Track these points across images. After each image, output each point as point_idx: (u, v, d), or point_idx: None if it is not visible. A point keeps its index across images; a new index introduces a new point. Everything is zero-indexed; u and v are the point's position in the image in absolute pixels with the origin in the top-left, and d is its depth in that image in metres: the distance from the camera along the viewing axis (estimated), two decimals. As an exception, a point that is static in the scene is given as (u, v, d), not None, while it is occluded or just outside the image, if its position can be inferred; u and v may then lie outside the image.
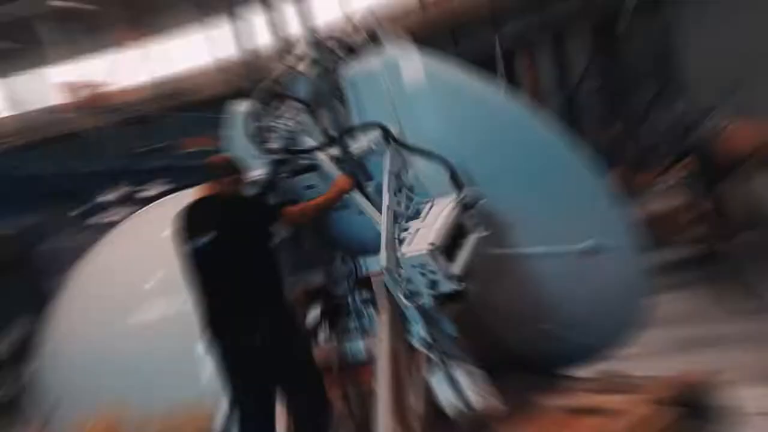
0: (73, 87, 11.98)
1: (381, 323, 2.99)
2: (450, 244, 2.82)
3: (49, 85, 12.51)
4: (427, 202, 3.07)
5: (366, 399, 3.24)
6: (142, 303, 5.23)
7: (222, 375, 2.99)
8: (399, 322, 2.96)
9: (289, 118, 3.30)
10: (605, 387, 3.14)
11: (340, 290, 3.39)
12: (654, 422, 2.66)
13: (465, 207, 2.95)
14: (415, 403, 2.95)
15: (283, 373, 2.96)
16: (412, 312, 2.81)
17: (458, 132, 3.23)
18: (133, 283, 5.48)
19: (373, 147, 3.15)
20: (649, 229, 3.80)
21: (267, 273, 3.00)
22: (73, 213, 9.14)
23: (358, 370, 3.18)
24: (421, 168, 3.17)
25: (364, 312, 3.31)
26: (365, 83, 3.34)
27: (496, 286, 3.21)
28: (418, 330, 2.81)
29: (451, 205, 2.93)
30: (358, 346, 3.23)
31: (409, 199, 3.11)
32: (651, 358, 3.86)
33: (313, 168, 3.29)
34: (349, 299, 3.36)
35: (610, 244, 3.15)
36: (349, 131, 3.22)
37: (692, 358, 3.65)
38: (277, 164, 3.29)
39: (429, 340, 2.78)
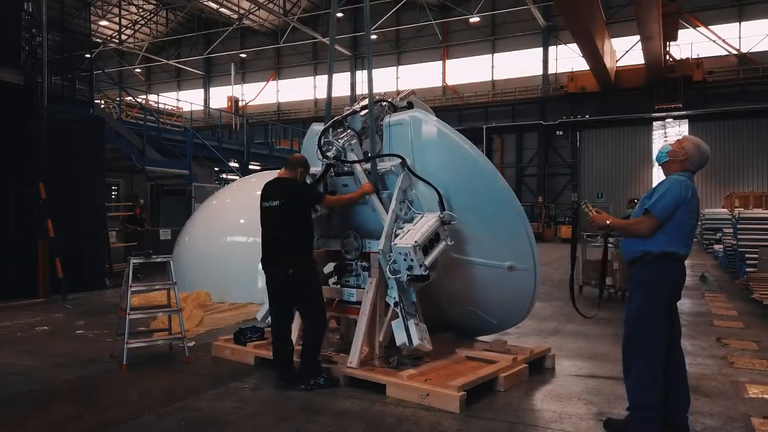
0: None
1: (369, 283, 4.78)
2: (427, 245, 4.38)
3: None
4: (419, 214, 4.63)
5: (351, 326, 5.06)
6: (232, 231, 8.35)
7: (267, 290, 4.69)
8: (382, 286, 4.76)
9: (344, 140, 4.91)
10: (491, 348, 5.12)
11: (349, 256, 4.95)
12: (512, 369, 4.62)
13: (443, 222, 4.50)
14: (379, 335, 4.78)
15: (300, 298, 4.57)
16: (391, 282, 4.51)
17: (448, 173, 4.69)
18: (231, 218, 8.95)
19: (393, 169, 4.74)
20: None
21: (304, 232, 4.61)
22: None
23: (349, 307, 4.93)
24: (420, 191, 4.70)
25: (361, 273, 4.89)
26: (397, 128, 4.88)
27: (448, 276, 4.85)
28: (393, 293, 4.51)
29: (434, 219, 4.48)
30: (352, 293, 4.98)
31: (408, 209, 4.70)
32: (522, 337, 5.90)
33: (350, 173, 4.91)
34: (354, 263, 4.94)
35: (521, 267, 4.73)
36: (379, 155, 4.85)
37: (545, 340, 5.67)
38: (328, 167, 4.95)
39: (398, 300, 4.45)
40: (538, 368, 4.94)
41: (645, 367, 3.42)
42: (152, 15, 43.38)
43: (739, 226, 10.42)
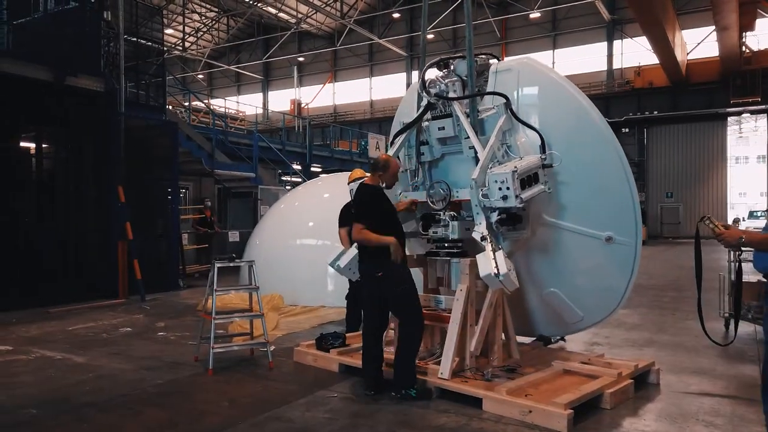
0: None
1: (459, 290, 4.53)
2: (525, 180, 4.07)
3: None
4: (516, 157, 4.40)
5: (435, 334, 4.86)
6: (302, 234, 8.38)
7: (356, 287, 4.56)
8: (472, 293, 4.52)
9: (448, 81, 4.71)
10: (590, 361, 4.80)
11: (437, 206, 4.65)
12: (617, 384, 4.29)
13: (543, 165, 4.26)
14: (470, 345, 4.54)
15: (392, 301, 4.34)
16: (480, 216, 4.20)
17: (558, 129, 4.43)
18: (300, 221, 8.95)
19: (496, 109, 4.54)
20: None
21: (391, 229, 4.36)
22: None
23: (441, 315, 4.71)
24: (521, 140, 4.50)
25: (449, 223, 4.53)
26: (504, 76, 4.72)
27: (536, 248, 4.60)
28: (480, 228, 4.17)
29: (536, 158, 4.23)
30: (440, 299, 4.77)
31: (506, 153, 4.45)
32: (614, 348, 5.53)
33: (448, 116, 4.62)
34: (442, 213, 4.61)
35: (620, 239, 4.34)
36: (483, 93, 4.63)
37: (641, 352, 5.29)
38: (427, 107, 4.71)
39: (485, 234, 4.13)
40: (642, 383, 4.57)
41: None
42: (214, 22, 44.58)
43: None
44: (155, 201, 10.30)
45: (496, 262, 3.98)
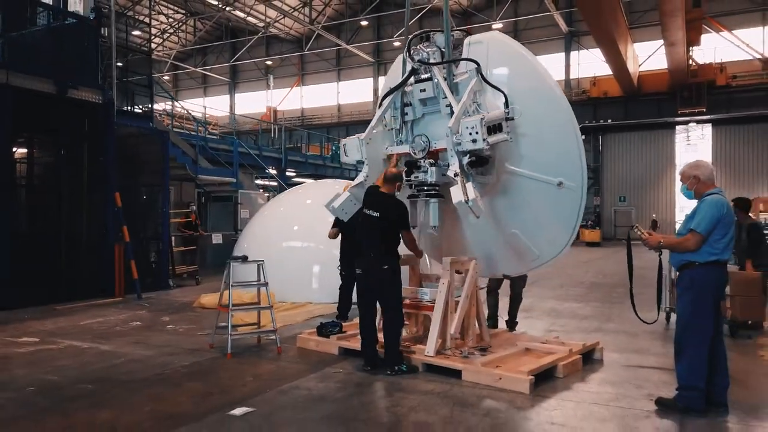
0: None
1: (441, 284, 5.46)
2: (491, 128, 4.86)
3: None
4: (485, 112, 5.11)
5: (420, 321, 5.78)
6: (288, 237, 9.16)
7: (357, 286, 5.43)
8: (452, 287, 5.45)
9: (429, 51, 5.47)
10: (546, 341, 5.80)
11: (418, 155, 5.44)
12: (568, 358, 5.27)
13: (507, 118, 5.02)
14: (450, 328, 5.46)
15: (385, 294, 5.23)
16: (454, 158, 4.99)
17: (519, 91, 5.18)
18: (285, 225, 9.81)
19: (469, 73, 5.32)
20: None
21: (394, 240, 5.27)
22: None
23: (425, 305, 5.63)
24: (489, 100, 5.24)
25: (429, 169, 5.37)
26: (476, 47, 5.48)
27: (498, 192, 5.39)
28: (455, 164, 4.97)
29: (500, 111, 5.01)
30: (425, 292, 5.69)
31: (476, 111, 5.20)
32: (569, 333, 6.53)
33: (428, 80, 5.41)
34: (422, 161, 5.43)
35: (569, 184, 5.08)
36: (458, 60, 5.41)
37: (589, 336, 6.30)
38: (411, 72, 5.49)
39: (458, 171, 4.93)
40: (589, 360, 5.59)
41: (694, 355, 4.07)
42: (181, 24, 44.62)
43: (766, 231, 10.90)
44: (147, 205, 10.92)
45: (466, 191, 4.79)
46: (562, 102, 5.28)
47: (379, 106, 5.84)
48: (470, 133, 4.84)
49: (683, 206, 35.36)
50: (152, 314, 8.31)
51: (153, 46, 43.68)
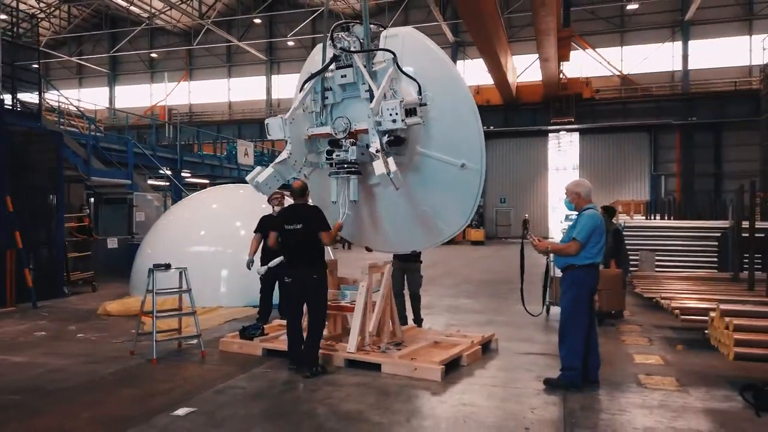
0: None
1: (361, 286, 6.01)
2: (407, 111, 5.29)
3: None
4: (401, 98, 5.54)
5: (338, 321, 6.30)
6: (195, 242, 9.26)
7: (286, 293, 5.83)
8: (371, 290, 6.02)
9: (349, 40, 5.78)
10: (450, 335, 6.55)
11: (339, 135, 5.81)
12: (471, 349, 6.05)
13: (420, 104, 5.45)
14: (368, 326, 6.03)
15: (313, 300, 5.63)
16: (375, 137, 5.45)
17: (428, 79, 5.63)
18: (192, 230, 9.79)
19: (386, 62, 5.72)
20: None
21: (319, 247, 5.64)
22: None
23: (345, 306, 6.14)
24: (403, 88, 5.69)
25: (349, 147, 5.77)
26: (391, 40, 5.91)
27: (412, 172, 5.89)
28: (376, 142, 5.43)
29: (414, 98, 5.47)
30: (345, 294, 6.20)
31: (393, 96, 5.63)
32: (466, 326, 7.36)
33: (349, 66, 5.77)
34: (343, 140, 5.80)
35: (471, 166, 5.64)
36: (375, 50, 5.79)
37: (484, 329, 7.16)
38: (333, 59, 5.82)
39: (379, 148, 5.40)
40: (487, 349, 6.42)
41: (573, 341, 4.96)
42: (53, 9, 41.35)
43: (624, 233, 12.61)
44: (39, 209, 10.41)
45: (387, 165, 5.28)
46: (466, 93, 5.88)
47: (300, 90, 6.14)
48: (390, 114, 5.32)
49: (554, 206, 38.78)
50: (55, 324, 8.08)
51: (21, 31, 40.16)
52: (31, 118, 11.05)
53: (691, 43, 34.16)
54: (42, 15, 40.01)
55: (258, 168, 6.06)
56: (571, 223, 5.22)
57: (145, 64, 45.81)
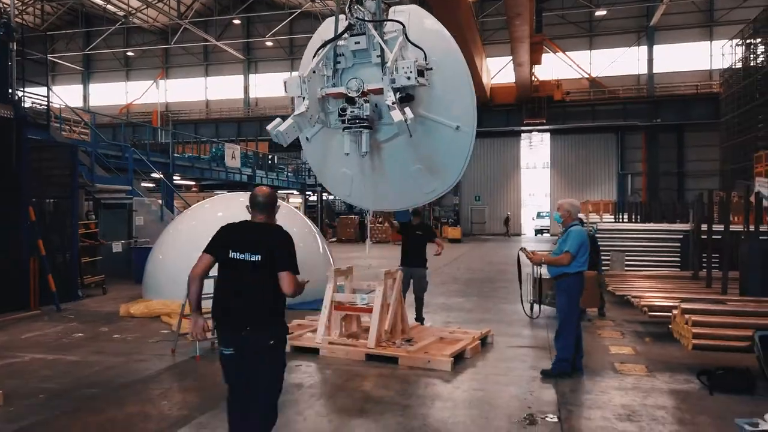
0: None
1: (378, 290, 6.91)
2: (418, 71, 5.90)
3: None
4: (414, 59, 6.10)
5: (353, 321, 7.20)
6: (201, 248, 10.00)
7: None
8: (386, 293, 6.93)
9: (364, 11, 6.37)
10: (453, 332, 7.52)
11: (353, 94, 6.33)
12: (472, 344, 7.01)
13: (426, 68, 6.05)
14: (384, 325, 6.93)
15: (266, 379, 3.61)
16: (390, 89, 5.98)
17: (432, 51, 6.26)
18: (201, 236, 10.42)
19: (396, 32, 6.32)
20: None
21: (282, 294, 3.58)
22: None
23: (361, 308, 7.04)
24: (409, 54, 6.22)
25: (363, 104, 6.29)
26: (400, 14, 6.50)
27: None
28: (391, 96, 5.94)
29: (423, 62, 6.07)
30: (364, 297, 7.09)
31: (401, 60, 6.18)
32: (463, 324, 8.33)
33: (362, 34, 6.35)
34: (357, 98, 6.32)
35: (464, 129, 6.28)
36: (386, 20, 6.41)
37: (479, 326, 8.14)
38: (348, 27, 6.39)
39: (395, 100, 5.91)
40: (485, 344, 7.40)
41: (568, 336, 5.94)
42: (25, 6, 40.95)
43: (596, 234, 13.77)
44: (55, 217, 11.01)
45: (404, 113, 5.87)
46: (463, 64, 6.55)
47: (315, 56, 6.64)
48: (405, 72, 5.91)
49: (526, 203, 40.21)
50: (86, 326, 8.75)
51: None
52: (40, 128, 11.60)
53: (656, 47, 35.89)
54: (15, 12, 39.62)
55: (278, 119, 6.40)
56: (559, 237, 6.21)
57: (121, 62, 45.68)
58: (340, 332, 7.17)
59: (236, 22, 40.46)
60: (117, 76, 46.11)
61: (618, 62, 36.28)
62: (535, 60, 32.15)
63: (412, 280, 8.39)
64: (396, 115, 5.88)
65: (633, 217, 19.70)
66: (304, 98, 6.28)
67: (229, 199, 12.90)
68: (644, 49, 36.17)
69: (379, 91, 6.15)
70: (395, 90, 6.08)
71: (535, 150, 41.13)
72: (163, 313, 9.20)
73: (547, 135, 38.19)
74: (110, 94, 45.49)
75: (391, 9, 6.71)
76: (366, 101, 6.43)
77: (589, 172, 36.96)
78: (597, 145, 36.77)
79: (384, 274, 6.89)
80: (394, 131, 6.19)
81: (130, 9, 39.13)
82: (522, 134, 38.51)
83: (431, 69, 6.20)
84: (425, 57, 6.24)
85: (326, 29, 6.99)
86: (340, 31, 6.50)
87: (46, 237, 10.36)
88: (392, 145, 6.54)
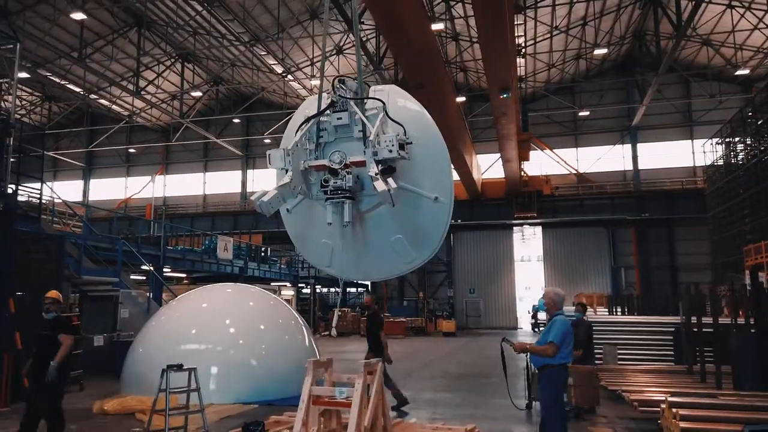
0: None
1: (357, 383, 6.71)
2: (399, 146, 5.94)
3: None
4: (396, 133, 6.16)
5: (338, 416, 6.93)
6: (186, 340, 9.66)
7: None
8: (366, 387, 6.72)
9: (346, 90, 6.41)
10: (437, 428, 7.20)
11: (335, 166, 6.15)
12: None
13: (406, 142, 6.05)
14: (364, 420, 6.66)
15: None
16: (372, 162, 5.98)
17: (409, 126, 6.28)
18: (183, 328, 10.19)
19: (376, 109, 6.36)
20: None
21: None
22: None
23: (341, 402, 6.79)
24: (389, 130, 6.24)
25: (346, 176, 6.15)
26: (380, 94, 6.56)
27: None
28: (373, 167, 5.95)
29: (402, 138, 6.11)
30: (342, 391, 6.85)
31: (383, 134, 6.20)
32: (449, 420, 7.99)
33: (344, 110, 6.36)
34: (339, 170, 6.19)
35: (442, 200, 6.18)
36: (368, 98, 6.44)
37: (465, 421, 7.84)
38: (331, 103, 6.43)
39: (377, 171, 5.89)
40: None
41: (555, 429, 5.69)
42: (34, 107, 42.68)
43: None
44: (35, 309, 10.84)
45: (388, 182, 5.84)
46: (440, 139, 6.68)
47: (299, 130, 6.71)
48: (387, 145, 6.07)
49: (521, 296, 39.96)
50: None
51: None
52: (31, 221, 11.71)
53: (639, 145, 37.21)
54: (23, 111, 41.27)
55: (262, 189, 6.46)
56: (543, 327, 6.12)
57: (122, 158, 46.92)
58: (318, 429, 6.86)
59: (236, 120, 42.04)
60: (118, 171, 47.18)
61: (604, 159, 37.46)
62: (524, 156, 33.25)
63: None
64: (379, 185, 5.95)
65: (627, 310, 19.54)
66: (287, 170, 6.41)
67: (213, 290, 12.78)
68: (628, 147, 37.48)
69: (361, 164, 6.30)
70: (377, 162, 6.24)
71: (528, 243, 41.47)
72: (138, 410, 8.85)
73: (539, 228, 38.64)
74: (110, 189, 46.34)
75: (372, 88, 7.05)
76: (348, 173, 6.50)
77: (582, 266, 37.01)
78: (588, 238, 37.09)
79: (363, 366, 6.70)
80: (375, 202, 6.34)
81: (134, 109, 40.75)
82: (514, 227, 38.94)
83: (411, 143, 6.42)
84: (405, 132, 6.47)
85: (308, 106, 7.25)
86: (323, 107, 6.68)
87: (25, 330, 10.15)
88: (373, 216, 6.67)
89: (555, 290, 6.31)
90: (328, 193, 6.55)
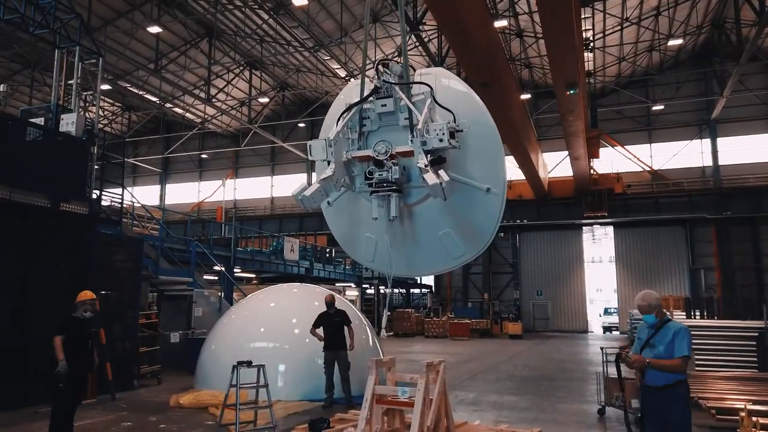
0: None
1: (419, 383, 6.73)
2: (450, 134, 5.70)
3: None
4: (447, 121, 5.93)
5: (401, 415, 6.98)
6: (257, 338, 10.12)
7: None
8: (428, 386, 6.73)
9: (390, 75, 6.28)
10: (502, 431, 7.11)
11: (380, 157, 6.03)
12: None
13: (457, 130, 5.83)
14: (426, 420, 6.67)
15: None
16: (421, 152, 5.77)
17: (458, 111, 6.05)
18: (253, 327, 10.62)
19: (423, 95, 6.19)
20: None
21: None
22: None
23: (403, 402, 6.84)
24: (437, 117, 6.07)
25: (391, 167, 6.01)
26: (426, 77, 6.36)
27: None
28: (422, 159, 5.74)
29: (452, 125, 5.92)
30: (405, 390, 6.90)
31: (432, 122, 6.01)
32: (514, 424, 7.88)
33: (389, 96, 6.18)
34: (385, 161, 6.04)
35: (494, 191, 5.96)
36: (414, 83, 6.27)
37: (531, 425, 7.69)
38: (375, 89, 6.27)
39: (427, 162, 5.69)
40: None
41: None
42: (115, 117, 45.29)
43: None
44: (117, 308, 11.54)
45: (439, 175, 5.59)
46: (492, 124, 6.38)
47: (340, 119, 6.47)
48: (437, 134, 5.78)
49: (592, 299, 38.63)
50: (136, 415, 8.88)
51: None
52: (113, 224, 12.44)
53: (719, 140, 35.20)
54: (105, 121, 43.89)
55: (303, 183, 6.31)
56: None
57: (195, 164, 49.00)
58: (381, 427, 6.93)
59: (301, 125, 43.03)
60: (191, 176, 49.30)
61: (680, 155, 35.69)
62: (593, 154, 32.16)
63: (337, 362, 9.62)
64: (430, 178, 5.65)
65: (706, 313, 18.54)
66: (329, 162, 6.13)
67: (281, 290, 13.14)
68: (707, 141, 35.53)
69: (408, 154, 5.99)
70: (426, 152, 5.92)
71: (599, 244, 40.08)
72: (211, 404, 9.23)
73: (611, 228, 37.26)
74: (184, 193, 48.51)
75: (418, 71, 6.74)
76: (395, 164, 6.21)
77: (657, 267, 35.36)
78: (664, 238, 35.40)
79: (426, 366, 6.71)
80: (422, 194, 6.09)
81: (206, 116, 42.48)
82: (583, 228, 37.74)
83: (462, 131, 6.07)
84: (454, 119, 6.11)
85: (348, 93, 6.98)
86: (366, 94, 6.41)
87: (108, 326, 10.81)
88: (420, 209, 6.45)
89: (645, 295, 5.35)
90: (373, 185, 6.24)
